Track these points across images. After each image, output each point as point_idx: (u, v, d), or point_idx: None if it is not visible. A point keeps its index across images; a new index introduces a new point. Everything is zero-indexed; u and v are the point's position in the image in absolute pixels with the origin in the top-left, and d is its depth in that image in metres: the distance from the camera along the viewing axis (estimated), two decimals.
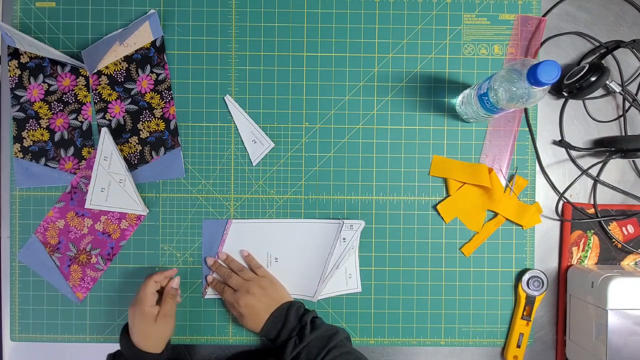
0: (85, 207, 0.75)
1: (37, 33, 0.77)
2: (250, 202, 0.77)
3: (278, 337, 0.68)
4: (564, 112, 0.78)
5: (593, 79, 0.71)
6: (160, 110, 0.77)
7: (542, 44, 0.77)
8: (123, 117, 0.77)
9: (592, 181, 0.78)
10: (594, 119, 0.78)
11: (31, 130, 0.77)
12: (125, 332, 0.68)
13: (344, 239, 0.75)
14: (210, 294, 0.77)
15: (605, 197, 0.79)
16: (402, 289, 0.78)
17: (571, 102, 0.78)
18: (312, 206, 0.77)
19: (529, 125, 0.77)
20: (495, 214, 0.77)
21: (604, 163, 0.78)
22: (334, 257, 0.75)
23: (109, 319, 0.78)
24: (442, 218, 0.77)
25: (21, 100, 0.77)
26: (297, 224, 0.77)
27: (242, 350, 0.78)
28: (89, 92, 0.77)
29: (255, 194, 0.77)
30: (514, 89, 0.61)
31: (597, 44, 0.78)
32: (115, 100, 0.77)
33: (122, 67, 0.77)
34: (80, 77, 0.77)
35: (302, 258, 0.77)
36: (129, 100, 0.77)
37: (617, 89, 0.75)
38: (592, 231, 0.78)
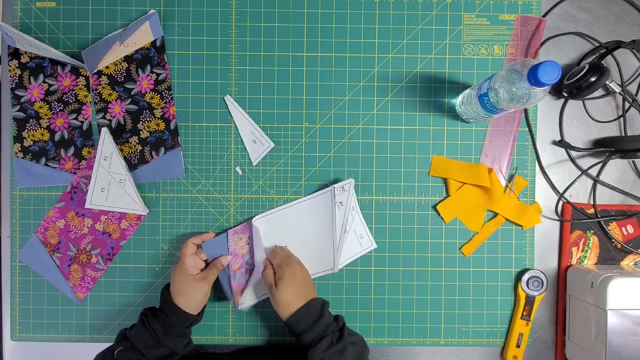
0: (86, 207, 0.75)
1: (37, 33, 0.77)
2: (250, 202, 0.77)
3: (308, 330, 0.64)
4: (564, 112, 0.78)
5: (593, 79, 0.71)
6: (160, 110, 0.77)
7: (542, 44, 0.77)
8: (123, 117, 0.77)
9: (592, 181, 0.78)
10: (593, 119, 0.78)
11: (31, 130, 0.77)
12: (166, 289, 0.70)
13: (340, 202, 0.75)
14: (243, 304, 0.75)
15: (605, 197, 0.79)
16: (402, 289, 0.78)
17: (571, 103, 0.78)
18: None
19: (528, 125, 0.77)
20: (495, 214, 0.77)
21: (604, 163, 0.78)
22: (337, 222, 0.74)
23: (109, 319, 0.78)
24: (442, 218, 0.77)
25: (21, 100, 0.77)
26: (292, 206, 0.76)
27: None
28: (89, 92, 0.77)
29: (255, 194, 0.78)
30: (514, 89, 0.61)
31: (597, 44, 0.78)
32: (116, 100, 0.77)
33: (122, 67, 0.77)
34: (80, 77, 0.77)
35: (310, 236, 0.76)
36: (129, 100, 0.77)
37: (617, 89, 0.75)
38: (592, 231, 0.78)
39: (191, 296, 0.68)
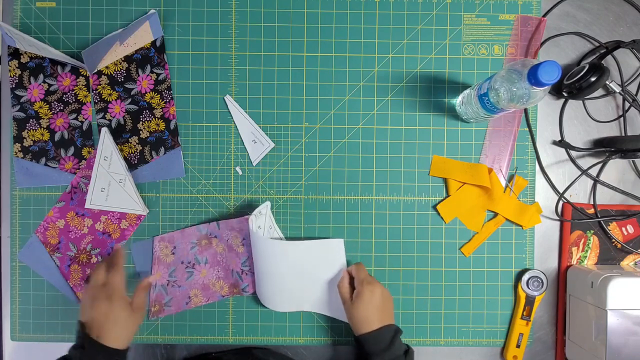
0: (86, 207, 0.75)
1: (37, 33, 0.77)
2: (250, 202, 0.77)
3: (377, 355, 0.65)
4: (564, 112, 0.78)
5: (593, 79, 0.71)
6: (160, 110, 0.77)
7: (542, 44, 0.77)
8: (123, 117, 0.77)
9: (592, 181, 0.78)
10: (593, 119, 0.78)
11: (31, 130, 0.77)
12: (82, 329, 0.62)
13: (259, 226, 0.74)
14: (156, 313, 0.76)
15: (605, 197, 0.79)
16: (402, 289, 0.78)
17: (571, 102, 0.78)
18: (312, 206, 0.77)
19: (528, 125, 0.77)
20: (495, 214, 0.77)
21: (604, 163, 0.78)
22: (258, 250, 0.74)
23: None
24: (442, 218, 0.77)
25: (21, 100, 0.77)
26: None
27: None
28: (89, 92, 0.77)
29: (255, 194, 0.78)
30: (515, 89, 0.61)
31: (597, 44, 0.78)
32: (116, 100, 0.77)
33: (122, 67, 0.77)
34: (80, 77, 0.77)
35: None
36: (129, 100, 0.77)
37: (617, 89, 0.75)
38: (592, 231, 0.78)
39: (128, 327, 0.62)
